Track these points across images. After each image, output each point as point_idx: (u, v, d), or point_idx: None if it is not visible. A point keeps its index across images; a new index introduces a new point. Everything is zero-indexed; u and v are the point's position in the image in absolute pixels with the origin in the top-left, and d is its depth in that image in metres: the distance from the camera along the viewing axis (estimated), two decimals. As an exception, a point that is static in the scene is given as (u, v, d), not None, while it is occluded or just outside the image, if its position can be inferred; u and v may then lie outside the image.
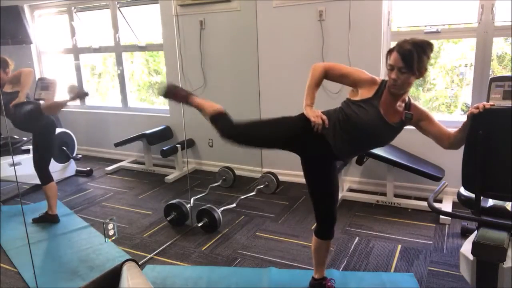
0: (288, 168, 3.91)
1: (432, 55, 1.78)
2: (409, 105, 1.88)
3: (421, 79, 2.04)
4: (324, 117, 1.87)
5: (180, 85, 2.30)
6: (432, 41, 1.76)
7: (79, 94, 3.31)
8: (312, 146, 1.93)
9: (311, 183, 2.04)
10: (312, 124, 1.84)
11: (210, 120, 2.08)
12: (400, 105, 1.86)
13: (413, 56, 1.69)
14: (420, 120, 1.89)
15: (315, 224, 2.12)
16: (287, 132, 1.98)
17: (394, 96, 1.83)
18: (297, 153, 2.02)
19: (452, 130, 1.87)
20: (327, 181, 2.02)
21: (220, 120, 2.05)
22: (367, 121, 1.83)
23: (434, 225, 2.98)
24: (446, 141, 1.88)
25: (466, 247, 1.83)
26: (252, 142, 2.12)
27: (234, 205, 3.44)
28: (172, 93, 2.23)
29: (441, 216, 3.01)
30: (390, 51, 1.78)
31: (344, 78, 1.93)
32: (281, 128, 2.00)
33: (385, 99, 1.83)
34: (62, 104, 3.31)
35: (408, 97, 1.89)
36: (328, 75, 1.93)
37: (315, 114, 1.85)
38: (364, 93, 1.85)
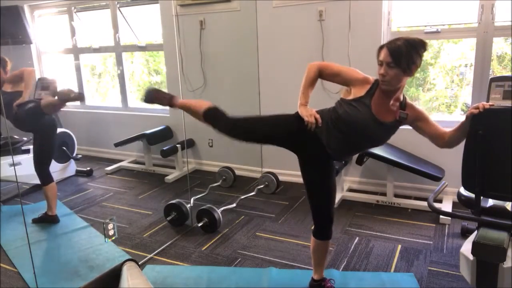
0: (288, 168, 3.91)
1: (426, 53, 1.78)
2: (404, 105, 1.88)
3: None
4: (318, 116, 1.87)
5: (163, 89, 2.33)
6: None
7: (78, 96, 3.29)
8: (307, 145, 1.94)
9: (307, 183, 2.04)
10: (305, 123, 1.85)
11: (204, 117, 2.10)
12: (394, 104, 1.86)
13: (401, 51, 1.69)
14: (417, 120, 1.89)
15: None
16: (283, 129, 2.00)
17: (387, 95, 1.83)
18: (293, 151, 2.03)
19: (448, 129, 1.87)
20: (324, 181, 2.02)
21: (213, 115, 2.08)
22: (358, 120, 1.83)
23: (434, 225, 2.98)
24: (441, 140, 1.88)
25: (466, 247, 1.83)
26: (249, 135, 2.10)
27: (234, 205, 3.44)
28: (153, 97, 2.25)
29: (441, 216, 3.01)
30: (380, 48, 1.78)
31: (337, 77, 1.94)
32: (278, 124, 2.03)
33: (377, 98, 1.84)
34: (61, 104, 3.29)
35: (404, 96, 1.89)
36: (322, 74, 1.94)
37: (309, 113, 1.85)
38: (357, 92, 1.86)
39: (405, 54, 1.70)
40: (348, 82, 1.90)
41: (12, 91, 3.09)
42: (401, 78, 1.76)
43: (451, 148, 1.90)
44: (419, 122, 1.89)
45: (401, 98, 1.87)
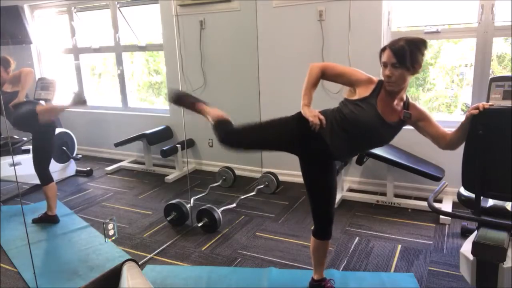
0: (288, 168, 3.91)
1: (427, 52, 1.80)
2: (407, 104, 1.89)
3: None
4: (322, 117, 1.86)
5: (183, 89, 2.38)
6: (432, 41, 1.77)
7: (78, 101, 3.28)
8: (310, 145, 1.94)
9: (309, 183, 2.04)
10: (310, 124, 1.84)
11: (213, 126, 2.12)
12: (398, 104, 1.87)
13: (405, 51, 1.71)
14: (419, 120, 1.90)
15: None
16: (285, 134, 2.00)
17: (391, 95, 1.83)
18: (295, 154, 2.03)
19: (450, 130, 1.87)
20: (325, 181, 2.02)
21: (221, 126, 2.09)
22: (365, 120, 1.83)
23: (434, 225, 2.98)
24: (443, 141, 1.89)
25: (466, 247, 1.83)
26: (251, 146, 2.19)
27: (234, 205, 3.43)
28: (181, 100, 2.30)
29: (441, 216, 3.01)
30: (383, 49, 1.80)
31: (341, 78, 1.94)
32: (279, 130, 2.02)
33: (382, 98, 1.84)
34: (59, 109, 3.30)
35: (406, 96, 1.90)
36: (325, 74, 1.94)
37: (313, 114, 1.85)
38: (362, 92, 1.86)
39: (409, 53, 1.71)
40: (352, 82, 1.91)
41: (11, 91, 3.11)
42: (406, 77, 1.78)
43: (454, 149, 1.90)
44: (421, 122, 1.90)
45: (404, 98, 1.88)
